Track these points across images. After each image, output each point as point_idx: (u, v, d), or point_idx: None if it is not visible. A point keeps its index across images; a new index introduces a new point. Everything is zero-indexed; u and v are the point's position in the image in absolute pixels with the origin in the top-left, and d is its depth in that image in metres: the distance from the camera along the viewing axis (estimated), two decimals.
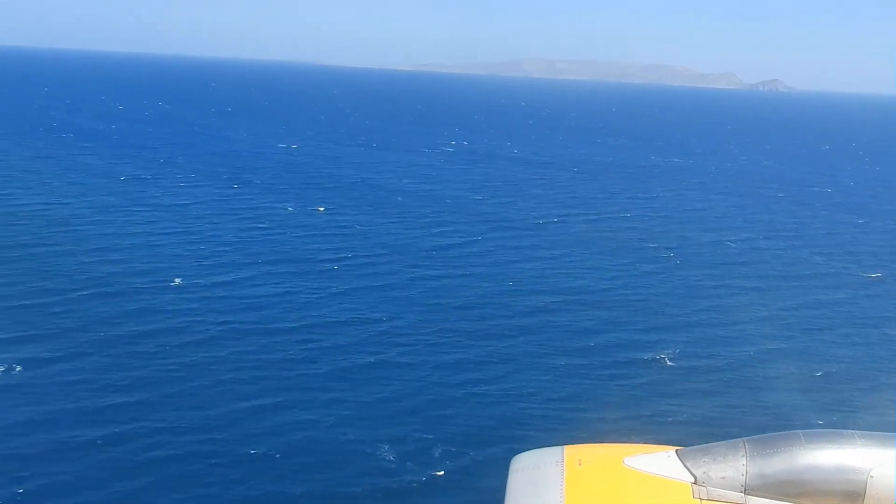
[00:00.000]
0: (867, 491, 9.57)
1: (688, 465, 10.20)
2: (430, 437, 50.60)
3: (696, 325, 76.13)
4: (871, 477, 9.56)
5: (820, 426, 10.36)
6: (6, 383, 55.60)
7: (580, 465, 10.45)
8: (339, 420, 52.65)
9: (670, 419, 54.93)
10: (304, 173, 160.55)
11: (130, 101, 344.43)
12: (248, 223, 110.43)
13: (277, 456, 47.76)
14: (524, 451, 11.41)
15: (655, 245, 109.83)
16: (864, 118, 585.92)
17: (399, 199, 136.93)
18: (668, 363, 66.21)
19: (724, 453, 10.21)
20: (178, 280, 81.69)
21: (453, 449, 48.92)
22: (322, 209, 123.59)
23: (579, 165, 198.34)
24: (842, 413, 55.05)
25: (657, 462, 10.38)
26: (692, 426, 52.53)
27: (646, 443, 11.14)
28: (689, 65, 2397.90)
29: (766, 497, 9.80)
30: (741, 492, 9.88)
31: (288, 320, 71.49)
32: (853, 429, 10.50)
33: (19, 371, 57.80)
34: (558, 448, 10.99)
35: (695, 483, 10.02)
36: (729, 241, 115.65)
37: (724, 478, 9.96)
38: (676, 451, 10.58)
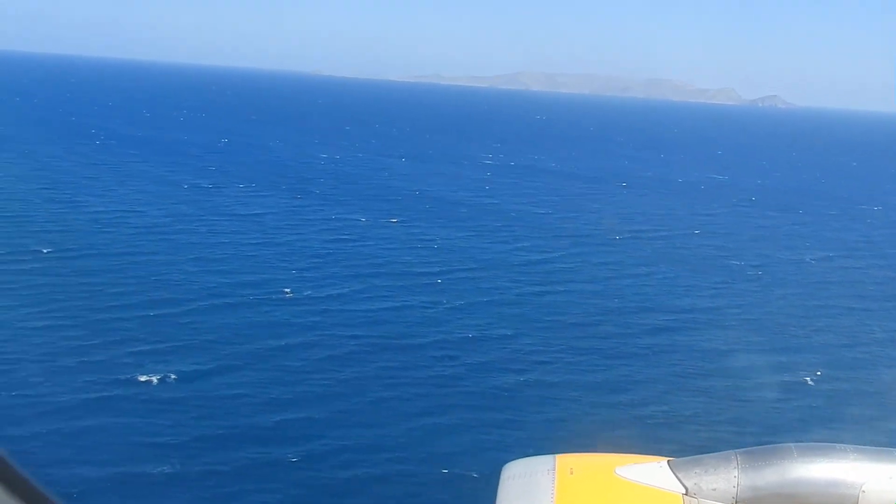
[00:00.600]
0: None
1: (679, 476, 10.22)
2: None
3: (821, 347, 75.56)
4: (863, 491, 9.57)
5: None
6: (169, 396, 54.63)
7: (571, 473, 10.48)
8: (519, 441, 51.70)
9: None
10: (359, 184, 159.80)
11: (154, 108, 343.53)
12: (331, 234, 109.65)
13: (475, 475, 46.82)
14: (515, 459, 11.48)
15: (740, 262, 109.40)
16: (879, 135, 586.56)
17: (463, 211, 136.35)
18: (810, 384, 65.60)
19: (716, 465, 10.22)
20: (288, 291, 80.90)
21: None
22: (395, 220, 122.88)
23: (624, 180, 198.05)
24: None
25: (649, 472, 10.39)
26: None
27: (639, 453, 11.22)
28: (688, 80, 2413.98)
29: None
30: None
31: (417, 336, 70.61)
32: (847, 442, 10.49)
33: (175, 381, 56.85)
34: (550, 457, 11.04)
35: (686, 494, 10.07)
36: (808, 259, 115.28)
37: (715, 489, 10.00)
38: (668, 461, 10.57)
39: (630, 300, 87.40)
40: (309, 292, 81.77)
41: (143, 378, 57.08)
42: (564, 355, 68.61)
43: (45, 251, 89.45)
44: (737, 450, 10.43)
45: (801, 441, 10.39)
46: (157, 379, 57.16)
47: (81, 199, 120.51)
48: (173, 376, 57.68)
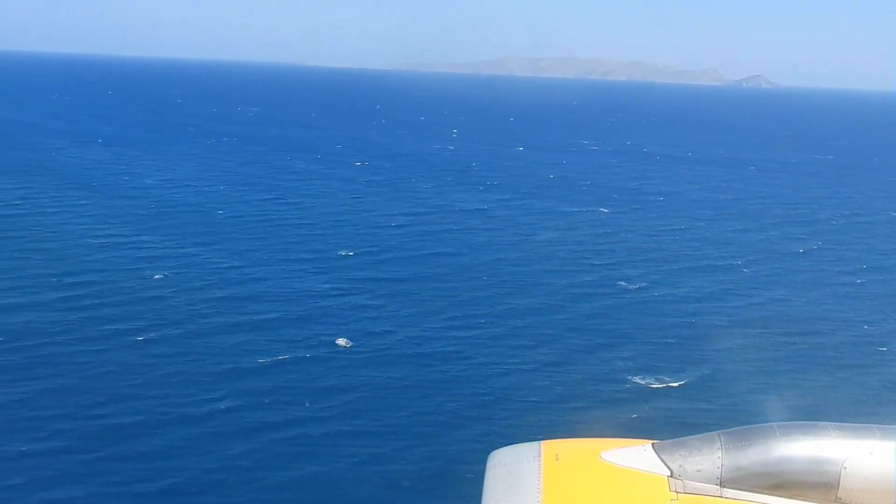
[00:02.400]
0: (841, 482, 9.80)
1: (664, 458, 10.33)
2: None
3: None
4: (845, 468, 9.77)
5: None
6: (705, 407, 51.90)
7: (557, 459, 10.52)
8: None
9: None
10: (518, 174, 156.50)
11: (216, 104, 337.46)
12: (585, 228, 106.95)
13: None
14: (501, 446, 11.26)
15: None
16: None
17: (659, 199, 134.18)
18: None
19: (700, 446, 10.35)
20: (626, 285, 78.74)
21: None
22: (606, 210, 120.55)
23: (750, 164, 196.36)
24: None
25: (633, 456, 10.48)
26: None
27: (622, 437, 11.18)
28: (668, 61, 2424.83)
29: (741, 489, 9.98)
30: (717, 484, 10.05)
31: (838, 331, 68.23)
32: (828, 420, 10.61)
33: (687, 387, 54.15)
34: (535, 443, 11.01)
35: (671, 476, 10.16)
36: None
37: (699, 470, 10.13)
38: (653, 444, 10.66)
39: None
40: (642, 285, 79.41)
41: (655, 385, 54.44)
42: None
43: (343, 253, 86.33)
44: (720, 430, 10.41)
45: (784, 420, 10.32)
46: (655, 384, 54.49)
47: (297, 200, 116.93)
48: (676, 382, 55.03)
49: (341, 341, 59.86)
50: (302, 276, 77.06)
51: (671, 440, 10.61)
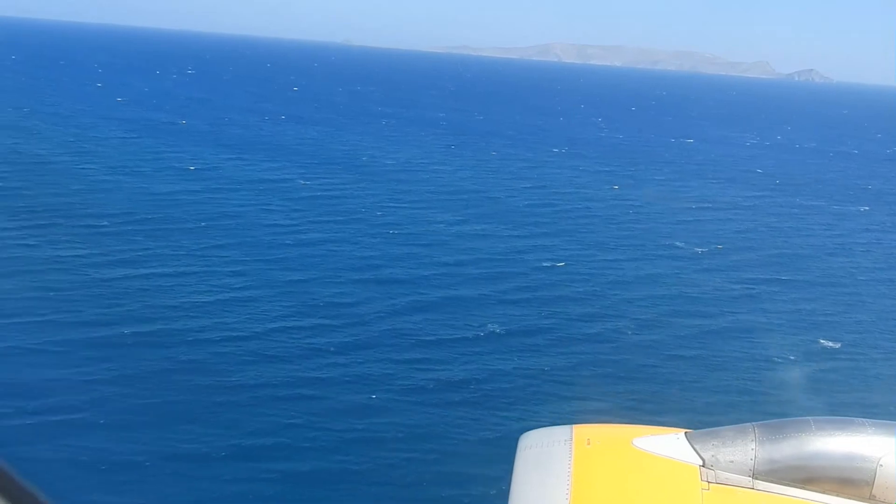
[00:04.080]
0: (876, 479, 9.40)
1: (696, 447, 10.07)
2: None
3: None
4: (881, 465, 9.39)
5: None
6: None
7: (588, 444, 10.41)
8: None
9: None
10: (722, 167, 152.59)
11: (325, 83, 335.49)
12: (874, 230, 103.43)
13: None
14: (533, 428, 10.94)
15: None
16: None
17: (891, 197, 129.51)
18: None
19: (734, 437, 10.04)
20: None
21: None
22: (866, 208, 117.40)
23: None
24: None
25: (666, 444, 10.25)
26: None
27: (655, 425, 10.85)
28: (718, 52, 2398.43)
29: (774, 482, 9.69)
30: (749, 476, 9.77)
31: None
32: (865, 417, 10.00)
33: None
34: (567, 427, 10.79)
35: (703, 466, 9.94)
36: None
37: (732, 461, 9.87)
38: (686, 433, 10.38)
39: None
40: None
41: None
42: None
43: (698, 250, 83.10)
44: (755, 422, 10.19)
45: (820, 415, 9.92)
46: None
47: (566, 191, 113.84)
48: None
49: (828, 344, 57.20)
50: (690, 274, 74.05)
51: (705, 430, 10.37)
